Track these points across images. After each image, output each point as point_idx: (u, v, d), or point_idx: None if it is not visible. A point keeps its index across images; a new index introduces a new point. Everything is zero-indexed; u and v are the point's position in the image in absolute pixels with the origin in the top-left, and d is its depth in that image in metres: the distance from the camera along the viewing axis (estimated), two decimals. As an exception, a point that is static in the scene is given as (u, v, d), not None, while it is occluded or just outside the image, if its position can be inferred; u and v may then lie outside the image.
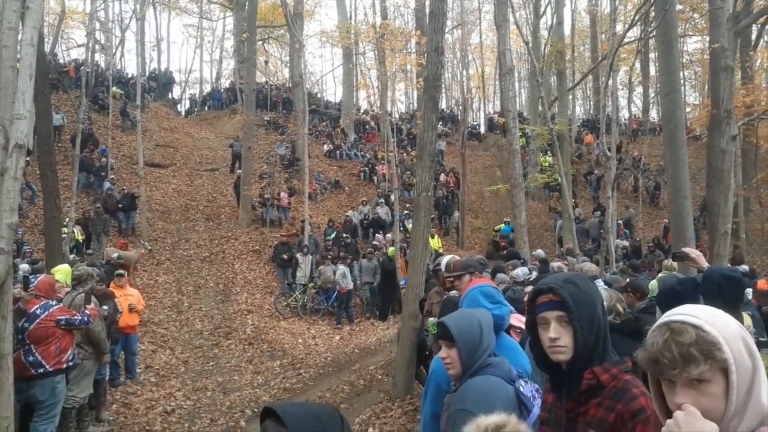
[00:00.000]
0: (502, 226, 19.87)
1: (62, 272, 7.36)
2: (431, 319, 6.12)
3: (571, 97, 28.24)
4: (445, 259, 5.80)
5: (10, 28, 5.45)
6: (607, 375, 1.71)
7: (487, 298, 2.84)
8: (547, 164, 23.27)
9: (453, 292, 5.10)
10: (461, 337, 2.25)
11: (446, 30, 12.48)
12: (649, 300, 5.00)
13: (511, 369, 2.30)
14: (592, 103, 36.66)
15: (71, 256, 12.70)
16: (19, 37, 5.64)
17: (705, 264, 4.44)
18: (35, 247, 13.75)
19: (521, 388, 2.20)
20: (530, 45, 17.51)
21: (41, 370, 5.61)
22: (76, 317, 5.96)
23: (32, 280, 6.05)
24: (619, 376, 1.73)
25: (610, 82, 15.94)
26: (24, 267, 10.28)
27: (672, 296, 3.08)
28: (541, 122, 18.91)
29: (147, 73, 31.25)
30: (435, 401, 2.59)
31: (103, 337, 6.70)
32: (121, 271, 9.01)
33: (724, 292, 3.36)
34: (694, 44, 29.70)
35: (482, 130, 35.75)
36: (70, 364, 5.94)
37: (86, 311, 6.19)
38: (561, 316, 1.75)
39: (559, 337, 1.75)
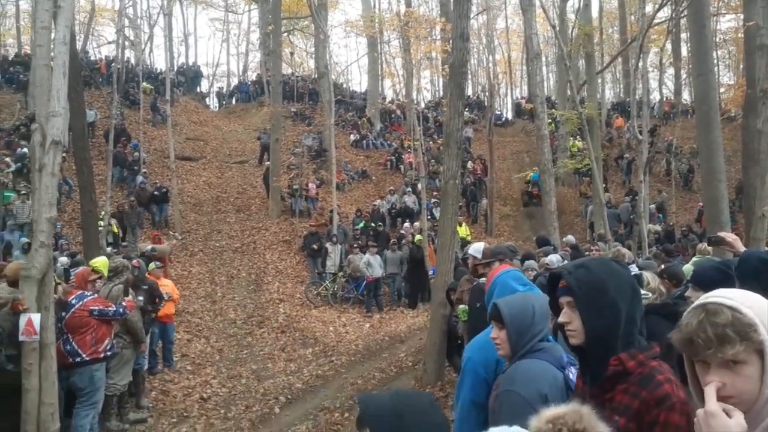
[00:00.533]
0: (531, 173, 19.52)
1: (101, 264, 7.58)
2: (461, 306, 6.14)
3: (600, 80, 27.70)
4: (475, 246, 5.81)
5: (44, 27, 5.60)
6: (633, 361, 1.69)
7: (517, 281, 2.84)
8: (576, 149, 22.92)
9: (483, 279, 5.10)
10: (512, 319, 2.26)
11: (471, 16, 12.34)
12: (684, 286, 4.93)
13: (563, 356, 2.29)
14: (622, 86, 35.91)
15: (108, 249, 13.05)
16: (52, 36, 5.79)
17: (741, 248, 4.36)
18: (73, 241, 14.16)
19: (571, 375, 2.20)
20: (557, 28, 17.21)
21: (78, 359, 5.73)
22: (110, 308, 6.04)
23: (71, 272, 6.21)
24: (646, 362, 1.70)
25: (640, 64, 15.59)
26: (63, 260, 10.62)
27: (709, 277, 3.01)
28: (570, 106, 18.63)
29: (175, 68, 31.71)
30: (474, 388, 2.55)
31: (140, 326, 6.88)
32: (157, 262, 9.30)
33: (761, 275, 3.30)
34: (727, 23, 28.83)
35: (509, 116, 35.36)
36: (108, 353, 6.03)
37: (123, 303, 6.35)
38: (570, 301, 1.78)
39: (569, 322, 1.78)
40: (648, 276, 4.32)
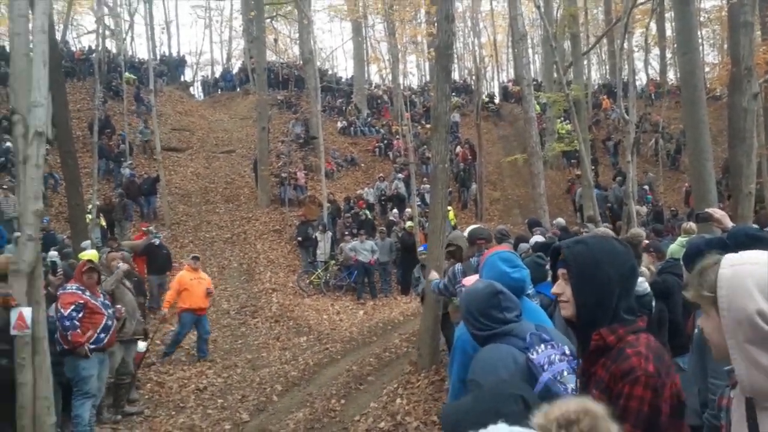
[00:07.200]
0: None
1: (90, 257, 7.55)
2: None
3: (586, 61, 27.74)
4: (468, 230, 5.86)
5: (21, 15, 5.46)
6: (613, 336, 1.72)
7: (506, 262, 2.84)
8: (564, 132, 22.95)
9: (458, 265, 5.16)
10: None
11: (457, -1, 12.26)
12: (666, 261, 5.04)
13: (528, 336, 2.26)
14: (608, 66, 35.96)
15: (96, 240, 12.90)
16: (30, 25, 5.67)
17: (729, 224, 4.38)
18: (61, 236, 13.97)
19: (534, 356, 2.16)
20: (542, 9, 17.08)
21: (59, 348, 5.77)
22: (61, 313, 5.86)
23: (60, 265, 6.20)
24: (624, 337, 1.72)
25: (626, 44, 15.61)
26: (53, 254, 10.52)
27: (699, 256, 3.03)
28: (557, 89, 18.61)
29: (158, 57, 31.27)
30: (463, 366, 2.60)
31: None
32: (196, 255, 10.24)
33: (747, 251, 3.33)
34: (711, 1, 28.91)
35: (497, 100, 35.25)
36: (92, 346, 5.91)
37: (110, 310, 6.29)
38: (564, 273, 1.83)
39: (562, 293, 1.83)
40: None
